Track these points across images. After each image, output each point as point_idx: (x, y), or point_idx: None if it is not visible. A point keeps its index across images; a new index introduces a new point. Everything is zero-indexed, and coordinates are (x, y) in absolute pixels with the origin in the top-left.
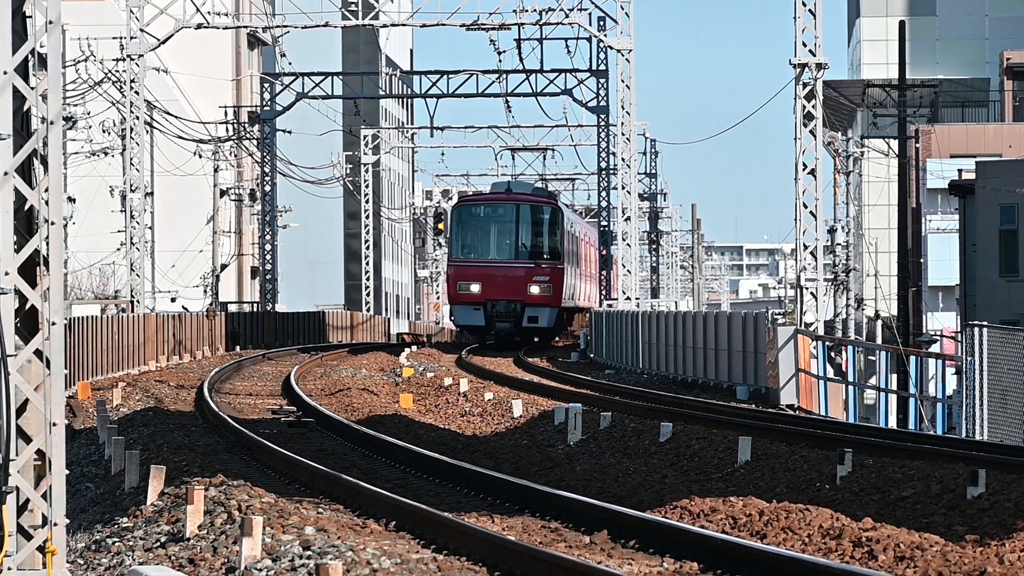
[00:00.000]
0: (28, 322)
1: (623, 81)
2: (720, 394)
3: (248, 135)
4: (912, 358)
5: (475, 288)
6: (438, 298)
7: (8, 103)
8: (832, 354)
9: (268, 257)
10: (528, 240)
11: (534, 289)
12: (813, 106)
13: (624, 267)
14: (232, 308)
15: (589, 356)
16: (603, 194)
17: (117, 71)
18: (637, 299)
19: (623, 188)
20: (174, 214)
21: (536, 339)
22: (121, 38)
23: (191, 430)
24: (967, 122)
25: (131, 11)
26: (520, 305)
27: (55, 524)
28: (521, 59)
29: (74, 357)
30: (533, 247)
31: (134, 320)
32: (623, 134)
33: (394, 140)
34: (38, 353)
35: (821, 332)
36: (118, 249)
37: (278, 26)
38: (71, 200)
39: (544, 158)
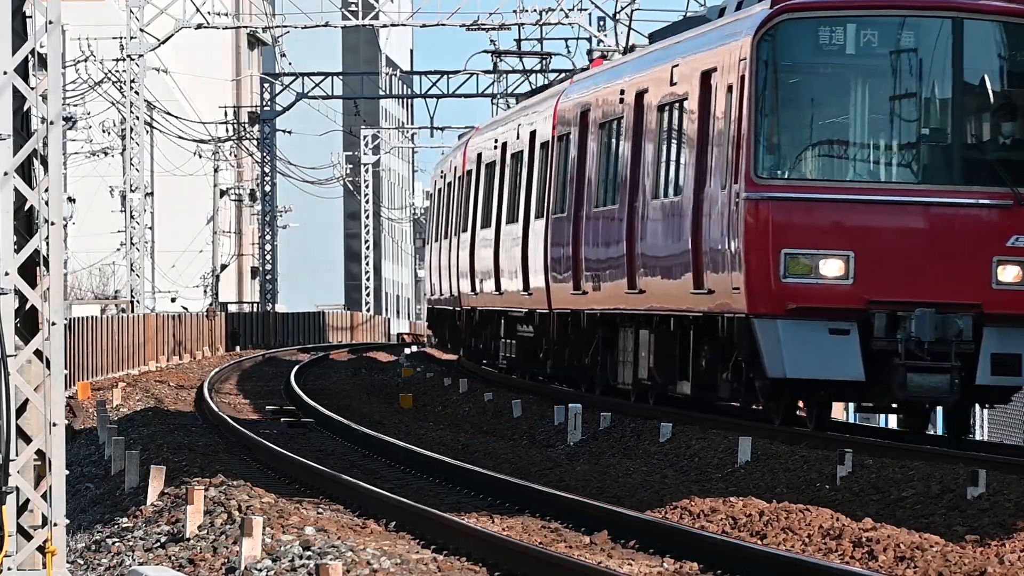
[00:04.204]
0: (28, 322)
1: None
2: None
3: (248, 135)
4: None
5: (832, 270)
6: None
7: (8, 103)
8: None
9: (268, 257)
10: (1005, 130)
11: (1010, 273)
12: None
13: None
14: (232, 308)
15: None
16: None
17: (117, 71)
18: None
19: None
20: (174, 214)
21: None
22: (121, 38)
23: (191, 430)
24: None
25: (131, 11)
26: (972, 320)
27: (55, 524)
28: (521, 59)
29: (74, 357)
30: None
31: (134, 320)
32: None
33: (394, 140)
34: (38, 353)
35: None
36: (118, 249)
37: (278, 26)
38: (71, 200)
39: None
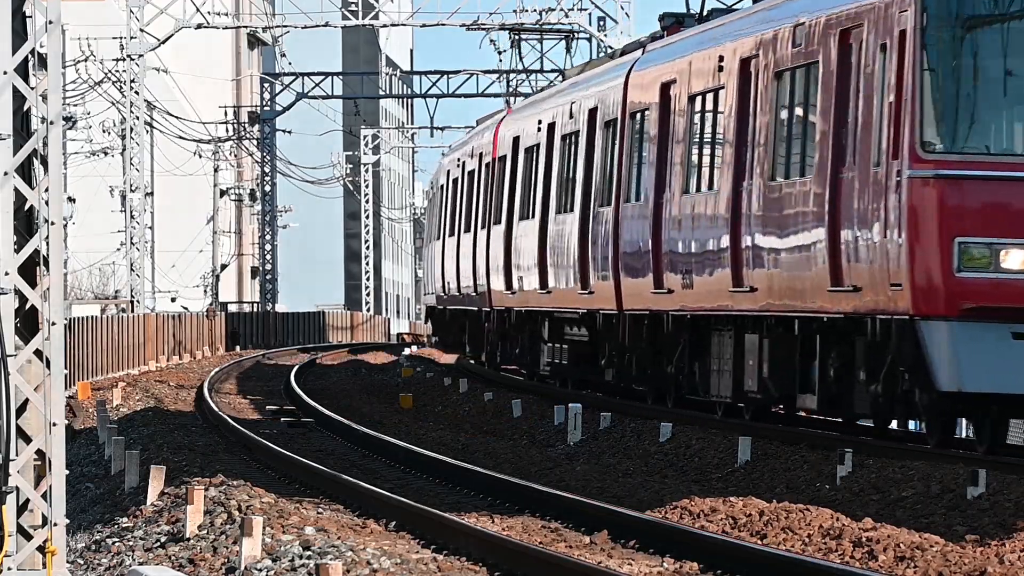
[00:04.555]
0: (28, 322)
1: None
2: None
3: (248, 135)
4: None
5: (1016, 261)
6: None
7: (8, 103)
8: None
9: (268, 257)
10: None
11: None
12: None
13: None
14: (232, 308)
15: None
16: None
17: (117, 71)
18: None
19: None
20: (174, 214)
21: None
22: (121, 38)
23: (191, 430)
24: None
25: (131, 11)
26: None
27: (55, 524)
28: (521, 59)
29: (74, 357)
30: None
31: (134, 320)
32: None
33: (394, 140)
34: (38, 353)
35: None
36: (118, 249)
37: (278, 26)
38: (71, 200)
39: None
